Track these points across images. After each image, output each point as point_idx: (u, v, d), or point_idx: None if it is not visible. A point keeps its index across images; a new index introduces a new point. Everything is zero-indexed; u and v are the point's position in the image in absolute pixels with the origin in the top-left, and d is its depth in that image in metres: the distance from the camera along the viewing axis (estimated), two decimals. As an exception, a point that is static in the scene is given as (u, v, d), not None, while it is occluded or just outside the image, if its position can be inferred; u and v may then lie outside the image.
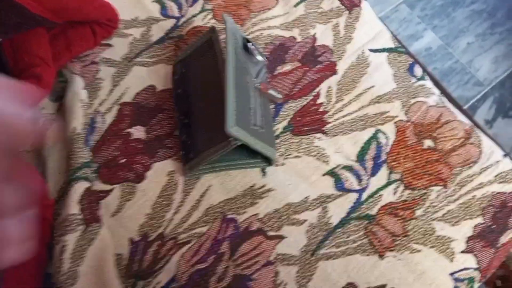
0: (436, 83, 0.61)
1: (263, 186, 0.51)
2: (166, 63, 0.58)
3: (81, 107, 0.52)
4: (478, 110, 1.22)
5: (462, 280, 0.47)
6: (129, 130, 0.54)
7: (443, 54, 1.26)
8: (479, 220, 0.49)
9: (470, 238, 0.48)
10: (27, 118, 0.22)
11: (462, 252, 0.48)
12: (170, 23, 0.61)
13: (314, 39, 0.61)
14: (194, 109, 0.53)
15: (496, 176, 0.51)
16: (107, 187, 0.51)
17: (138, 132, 0.54)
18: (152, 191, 0.50)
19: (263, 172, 0.52)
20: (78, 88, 0.54)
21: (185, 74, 0.55)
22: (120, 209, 0.50)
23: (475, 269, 0.47)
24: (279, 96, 0.53)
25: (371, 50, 0.60)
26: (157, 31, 0.60)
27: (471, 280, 0.47)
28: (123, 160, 0.52)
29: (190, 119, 0.52)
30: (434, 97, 0.57)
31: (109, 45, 0.59)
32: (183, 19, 0.61)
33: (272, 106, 0.55)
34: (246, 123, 0.45)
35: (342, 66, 0.59)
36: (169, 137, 0.53)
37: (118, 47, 0.59)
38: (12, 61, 0.49)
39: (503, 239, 0.49)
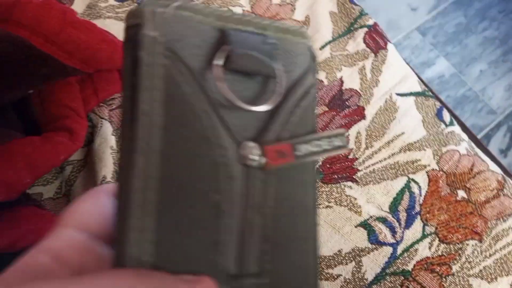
0: (464, 127, 0.60)
1: (295, 238, 0.50)
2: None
3: (111, 154, 0.51)
4: (492, 139, 1.21)
5: None
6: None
7: (456, 81, 1.26)
8: (517, 277, 0.48)
9: (508, 296, 0.47)
10: None
11: (501, 311, 0.47)
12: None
13: (341, 82, 0.60)
14: None
15: (532, 230, 0.50)
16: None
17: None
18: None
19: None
20: (107, 134, 0.53)
21: None
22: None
23: (515, 328, 0.46)
24: None
25: (398, 94, 0.59)
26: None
27: None
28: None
29: None
30: (465, 144, 0.56)
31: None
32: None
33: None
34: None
35: (370, 111, 0.58)
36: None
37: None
38: (40, 112, 0.48)
39: (542, 296, 0.47)
